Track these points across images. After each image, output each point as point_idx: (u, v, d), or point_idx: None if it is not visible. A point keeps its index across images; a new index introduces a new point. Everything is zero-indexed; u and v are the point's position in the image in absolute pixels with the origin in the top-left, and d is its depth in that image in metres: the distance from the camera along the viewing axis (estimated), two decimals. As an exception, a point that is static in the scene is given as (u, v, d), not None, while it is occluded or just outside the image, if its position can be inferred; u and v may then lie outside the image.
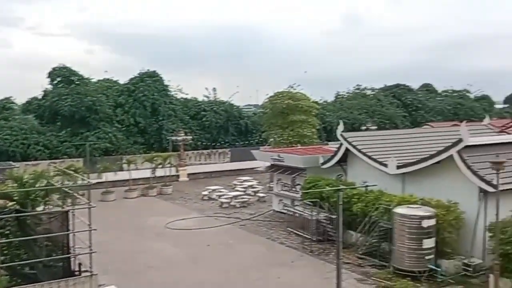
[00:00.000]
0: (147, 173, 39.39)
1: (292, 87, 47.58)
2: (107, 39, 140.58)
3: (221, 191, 35.27)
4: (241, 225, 27.38)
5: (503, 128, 45.89)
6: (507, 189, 17.47)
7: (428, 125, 53.32)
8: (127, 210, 32.60)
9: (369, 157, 22.94)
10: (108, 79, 57.16)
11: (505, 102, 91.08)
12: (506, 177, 17.37)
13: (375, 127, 53.61)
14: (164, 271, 20.19)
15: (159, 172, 39.78)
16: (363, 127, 53.85)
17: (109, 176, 37.47)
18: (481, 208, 18.47)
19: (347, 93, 74.23)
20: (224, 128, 57.00)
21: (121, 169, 40.71)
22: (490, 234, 17.15)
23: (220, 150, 54.81)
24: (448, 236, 18.45)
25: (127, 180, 37.62)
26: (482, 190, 18.19)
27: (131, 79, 54.94)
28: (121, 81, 56.58)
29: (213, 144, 55.89)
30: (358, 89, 74.53)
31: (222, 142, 56.54)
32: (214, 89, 62.61)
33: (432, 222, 18.07)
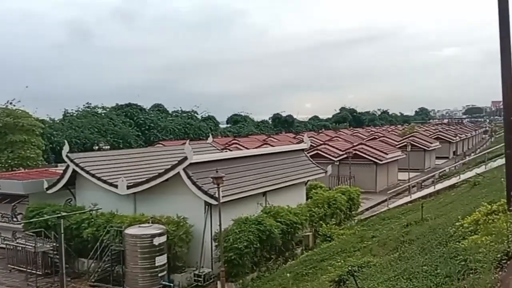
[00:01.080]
0: None
1: (11, 103, 43.34)
2: None
3: None
4: None
5: (226, 145, 52.06)
6: (228, 201, 19.78)
7: (160, 143, 56.09)
8: None
9: (98, 178, 22.62)
10: None
11: (227, 122, 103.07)
12: (227, 190, 19.65)
13: (108, 147, 53.26)
14: None
15: None
16: (96, 147, 52.87)
17: None
18: (207, 220, 20.31)
19: (77, 111, 71.65)
20: None
21: None
22: (216, 244, 19.04)
23: None
24: (179, 250, 19.58)
25: None
26: (207, 204, 20.06)
27: None
28: None
29: None
30: (88, 107, 72.76)
31: None
32: None
33: (163, 239, 18.92)
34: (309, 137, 64.15)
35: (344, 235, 19.72)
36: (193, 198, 20.23)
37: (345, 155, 40.85)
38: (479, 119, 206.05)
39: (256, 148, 42.30)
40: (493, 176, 19.89)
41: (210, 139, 32.96)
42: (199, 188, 19.79)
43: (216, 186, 17.41)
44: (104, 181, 22.47)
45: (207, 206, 20.19)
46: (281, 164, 25.64)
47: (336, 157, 42.60)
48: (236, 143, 53.83)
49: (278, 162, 25.59)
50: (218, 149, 31.63)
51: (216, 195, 17.96)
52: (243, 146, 48.46)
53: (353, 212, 27.76)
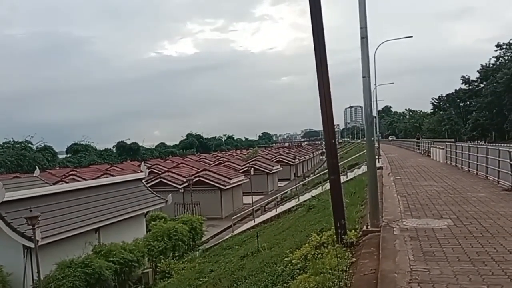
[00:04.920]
0: None
1: None
2: None
3: None
4: None
5: (62, 177, 47.43)
6: (51, 243, 17.23)
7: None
8: None
9: None
10: None
11: (67, 152, 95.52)
12: (49, 230, 17.11)
13: None
14: None
15: None
16: None
17: None
18: (27, 265, 17.42)
19: None
20: None
21: None
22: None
23: None
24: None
25: None
26: (26, 247, 17.22)
27: None
28: None
29: None
30: None
31: None
32: None
33: (-30, 293, 15.68)
34: (154, 165, 61.84)
35: (185, 269, 18.35)
36: (8, 242, 17.20)
37: (191, 182, 39.75)
38: (317, 142, 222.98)
39: (95, 178, 39.02)
40: (327, 199, 20.37)
41: (36, 172, 29.29)
42: (14, 230, 16.87)
43: (31, 227, 14.92)
44: None
45: (26, 250, 17.32)
46: (116, 196, 23.45)
47: (180, 185, 41.26)
48: (73, 175, 49.36)
49: (112, 194, 23.37)
50: (47, 183, 28.04)
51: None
52: (81, 178, 44.45)
53: (196, 242, 26.52)
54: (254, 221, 32.44)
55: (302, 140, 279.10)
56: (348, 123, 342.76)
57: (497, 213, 10.41)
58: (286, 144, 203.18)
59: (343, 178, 27.71)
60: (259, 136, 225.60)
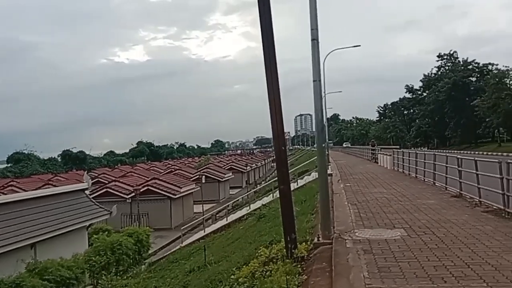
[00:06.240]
0: None
1: None
2: None
3: None
4: None
5: (1, 188, 44.75)
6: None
7: None
8: None
9: None
10: None
11: (8, 161, 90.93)
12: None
13: None
14: None
15: None
16: None
17: None
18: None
19: None
20: None
21: None
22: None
23: None
24: None
25: None
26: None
27: None
28: None
29: None
30: None
31: None
32: None
33: None
34: (101, 174, 59.74)
35: (127, 286, 17.22)
36: None
37: (138, 192, 38.30)
38: (268, 149, 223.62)
39: (36, 189, 36.85)
40: (278, 207, 19.87)
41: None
42: None
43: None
44: None
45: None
46: (55, 208, 21.90)
47: (127, 195, 39.74)
48: (12, 185, 46.67)
49: (51, 206, 21.80)
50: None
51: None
52: (21, 188, 41.96)
53: (143, 255, 25.22)
54: (204, 231, 31.58)
55: (254, 147, 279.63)
56: (299, 131, 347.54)
57: (449, 221, 10.15)
58: (239, 152, 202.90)
59: (293, 185, 27.40)
60: (212, 143, 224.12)
